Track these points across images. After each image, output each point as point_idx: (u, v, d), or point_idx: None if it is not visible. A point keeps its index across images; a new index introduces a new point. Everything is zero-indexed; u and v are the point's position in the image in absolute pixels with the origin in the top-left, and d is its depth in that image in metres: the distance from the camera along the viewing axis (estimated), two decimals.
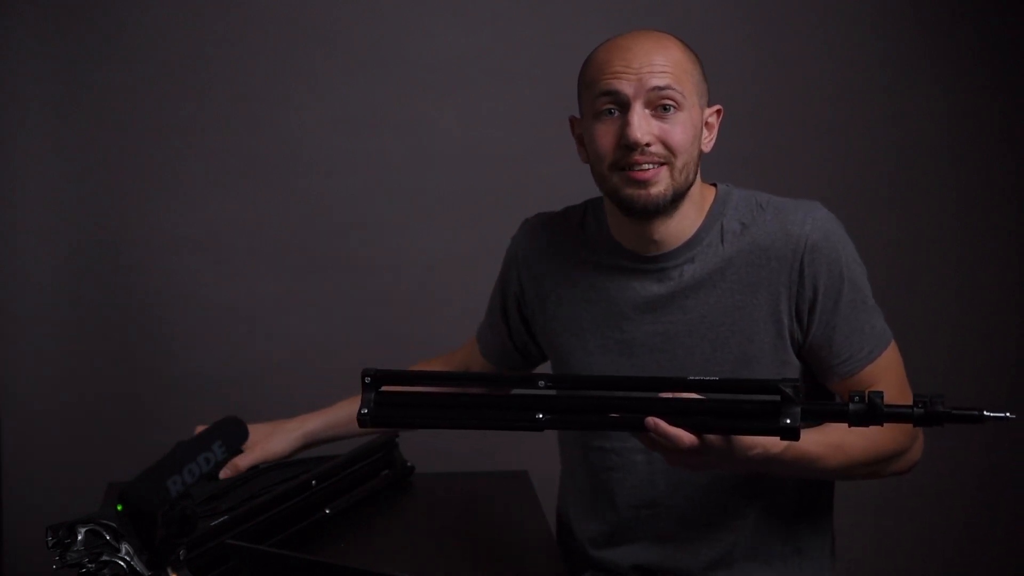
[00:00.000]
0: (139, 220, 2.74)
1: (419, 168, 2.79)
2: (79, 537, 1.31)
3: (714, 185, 1.69)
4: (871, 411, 1.32)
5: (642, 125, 1.55)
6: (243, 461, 1.80)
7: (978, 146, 2.93)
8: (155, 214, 2.74)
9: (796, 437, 1.34)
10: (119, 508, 1.32)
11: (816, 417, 1.37)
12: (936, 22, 2.90)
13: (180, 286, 2.75)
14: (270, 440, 1.85)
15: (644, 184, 1.56)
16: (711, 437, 1.38)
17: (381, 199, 2.78)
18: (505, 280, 1.84)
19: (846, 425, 1.34)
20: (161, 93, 2.71)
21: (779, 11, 2.84)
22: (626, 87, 1.56)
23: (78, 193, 2.72)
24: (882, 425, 1.34)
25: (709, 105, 1.64)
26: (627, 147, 1.55)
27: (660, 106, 1.56)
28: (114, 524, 1.32)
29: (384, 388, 1.47)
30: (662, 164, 1.56)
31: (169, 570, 1.30)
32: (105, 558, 1.30)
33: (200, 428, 1.74)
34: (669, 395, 1.39)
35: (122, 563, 1.30)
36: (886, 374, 1.62)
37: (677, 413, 1.37)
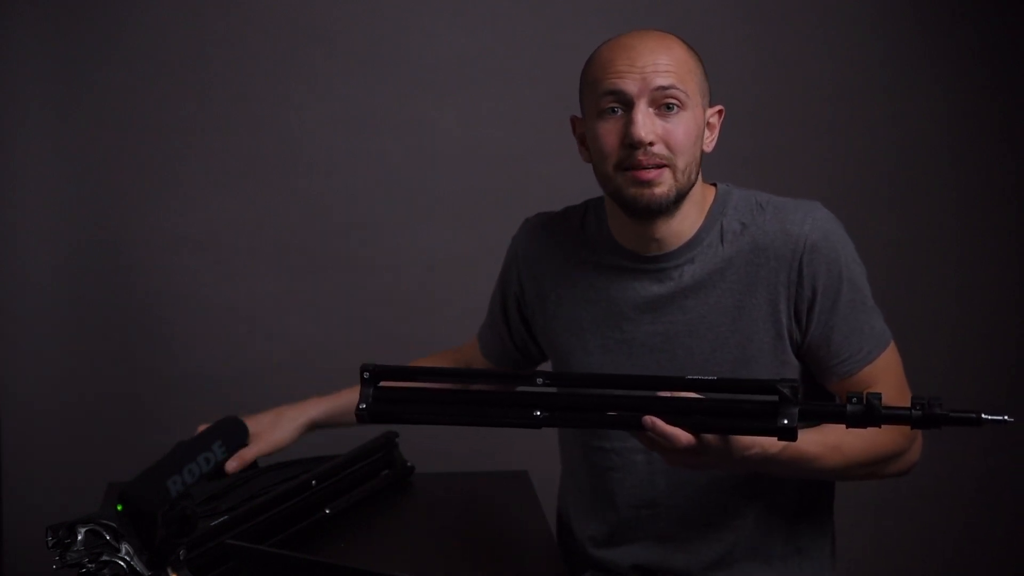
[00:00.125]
0: (139, 220, 2.74)
1: (419, 168, 2.79)
2: (79, 537, 1.31)
3: (714, 185, 1.69)
4: (869, 413, 1.31)
5: (646, 124, 1.55)
6: (248, 453, 1.79)
7: (978, 146, 2.93)
8: (155, 214, 2.74)
9: (794, 438, 1.34)
10: (119, 508, 1.32)
11: (814, 418, 1.37)
12: (936, 22, 2.89)
13: (180, 286, 2.75)
14: (274, 430, 1.83)
15: (648, 184, 1.56)
16: (708, 437, 1.38)
17: (381, 199, 2.78)
18: (505, 280, 1.84)
19: (844, 425, 1.34)
20: (161, 93, 2.70)
21: (779, 11, 2.84)
22: (630, 86, 1.56)
23: (78, 193, 2.72)
24: (880, 427, 1.34)
25: (711, 105, 1.64)
26: (631, 146, 1.55)
27: (664, 105, 1.56)
28: (114, 524, 1.32)
29: (382, 384, 1.47)
30: (664, 166, 1.56)
31: (169, 570, 1.30)
32: (105, 558, 1.30)
33: (203, 427, 1.74)
34: (667, 394, 1.39)
35: (122, 563, 1.30)
36: (885, 375, 1.62)
37: (675, 412, 1.37)
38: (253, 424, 1.80)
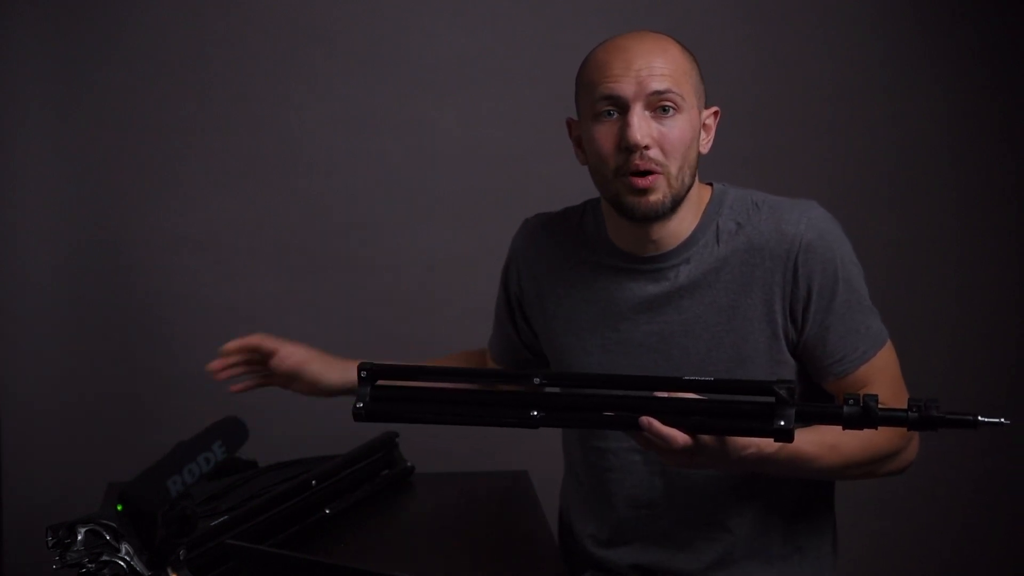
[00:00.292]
0: (139, 220, 2.74)
1: (419, 168, 2.79)
2: (79, 537, 1.31)
3: (710, 184, 1.69)
4: (865, 414, 1.31)
5: (642, 127, 1.55)
6: (292, 358, 1.79)
7: (978, 146, 2.93)
8: (155, 214, 2.74)
9: (790, 439, 1.34)
10: (119, 508, 1.32)
11: (810, 419, 1.36)
12: (936, 22, 2.89)
13: (180, 286, 2.75)
14: (325, 372, 1.82)
15: (644, 192, 1.56)
16: (705, 437, 1.37)
17: (381, 199, 2.78)
18: (506, 281, 1.84)
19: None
20: (161, 93, 2.70)
21: (779, 11, 2.84)
22: (626, 90, 1.56)
23: (78, 193, 2.72)
24: (876, 428, 1.34)
25: (706, 106, 1.64)
26: (626, 149, 1.55)
27: (659, 108, 1.56)
28: (114, 524, 1.32)
29: (380, 383, 1.47)
30: (658, 173, 1.56)
31: (169, 570, 1.30)
32: (105, 558, 1.30)
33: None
34: (664, 395, 1.39)
35: (122, 563, 1.30)
36: (881, 375, 1.62)
37: (672, 412, 1.37)
38: (292, 351, 1.79)
